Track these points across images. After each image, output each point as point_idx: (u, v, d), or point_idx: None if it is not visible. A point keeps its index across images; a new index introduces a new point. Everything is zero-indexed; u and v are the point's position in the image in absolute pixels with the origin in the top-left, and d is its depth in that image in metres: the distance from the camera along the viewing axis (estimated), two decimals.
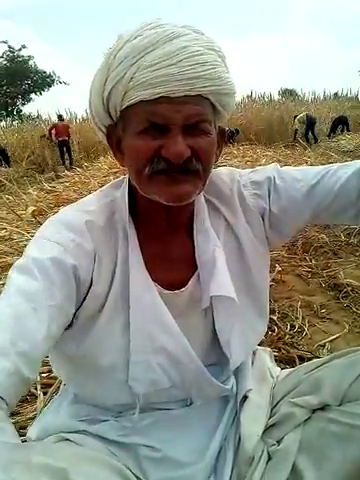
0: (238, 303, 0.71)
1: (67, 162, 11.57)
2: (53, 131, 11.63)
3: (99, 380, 0.71)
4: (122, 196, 0.71)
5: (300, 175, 0.75)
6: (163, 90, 0.57)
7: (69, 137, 11.66)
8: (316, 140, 11.75)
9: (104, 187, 0.77)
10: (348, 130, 13.46)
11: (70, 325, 0.65)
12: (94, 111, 0.68)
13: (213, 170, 0.77)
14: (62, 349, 0.69)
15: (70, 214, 0.70)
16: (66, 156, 11.78)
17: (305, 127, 12.50)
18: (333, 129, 13.67)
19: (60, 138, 11.36)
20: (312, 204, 0.74)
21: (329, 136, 13.23)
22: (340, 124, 13.82)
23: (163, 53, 0.57)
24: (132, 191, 0.71)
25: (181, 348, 0.70)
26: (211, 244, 0.72)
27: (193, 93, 0.59)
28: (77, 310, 0.65)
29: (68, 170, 8.88)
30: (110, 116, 0.66)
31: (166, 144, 0.60)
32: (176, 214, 0.71)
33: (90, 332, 0.67)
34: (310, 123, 12.45)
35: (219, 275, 0.71)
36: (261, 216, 0.76)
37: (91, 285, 0.65)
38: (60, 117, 12.46)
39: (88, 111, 0.71)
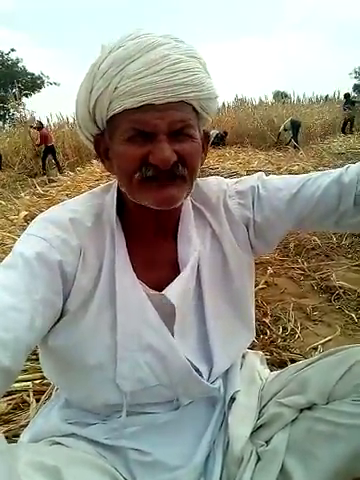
0: (175, 308, 0.70)
1: (55, 169, 11.15)
2: (44, 140, 11.21)
3: (88, 380, 0.71)
4: (111, 199, 0.73)
5: (282, 184, 0.77)
6: (147, 98, 0.60)
7: (49, 142, 11.20)
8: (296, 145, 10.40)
9: (93, 190, 0.78)
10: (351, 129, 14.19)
11: (59, 319, 0.66)
12: (81, 121, 0.69)
13: (203, 178, 0.79)
14: (51, 348, 0.69)
15: (56, 212, 0.72)
16: (52, 161, 11.52)
17: (292, 132, 12.57)
18: (344, 127, 14.46)
19: (49, 144, 11.11)
20: (294, 212, 0.76)
21: (343, 130, 14.13)
22: (347, 122, 14.49)
23: (145, 62, 0.60)
24: (121, 196, 0.73)
25: (167, 345, 0.71)
26: (191, 249, 0.74)
27: (176, 99, 0.61)
28: (64, 303, 0.66)
29: (56, 175, 8.70)
30: (97, 125, 0.68)
31: (153, 150, 0.62)
32: (164, 219, 0.73)
33: (78, 327, 0.68)
34: (295, 127, 12.53)
35: (178, 279, 0.72)
36: (245, 225, 0.78)
37: (75, 278, 0.67)
38: (40, 124, 11.53)
39: (75, 122, 0.73)
